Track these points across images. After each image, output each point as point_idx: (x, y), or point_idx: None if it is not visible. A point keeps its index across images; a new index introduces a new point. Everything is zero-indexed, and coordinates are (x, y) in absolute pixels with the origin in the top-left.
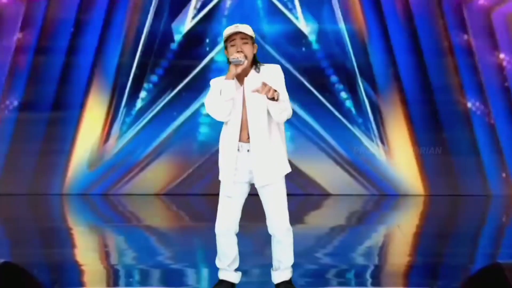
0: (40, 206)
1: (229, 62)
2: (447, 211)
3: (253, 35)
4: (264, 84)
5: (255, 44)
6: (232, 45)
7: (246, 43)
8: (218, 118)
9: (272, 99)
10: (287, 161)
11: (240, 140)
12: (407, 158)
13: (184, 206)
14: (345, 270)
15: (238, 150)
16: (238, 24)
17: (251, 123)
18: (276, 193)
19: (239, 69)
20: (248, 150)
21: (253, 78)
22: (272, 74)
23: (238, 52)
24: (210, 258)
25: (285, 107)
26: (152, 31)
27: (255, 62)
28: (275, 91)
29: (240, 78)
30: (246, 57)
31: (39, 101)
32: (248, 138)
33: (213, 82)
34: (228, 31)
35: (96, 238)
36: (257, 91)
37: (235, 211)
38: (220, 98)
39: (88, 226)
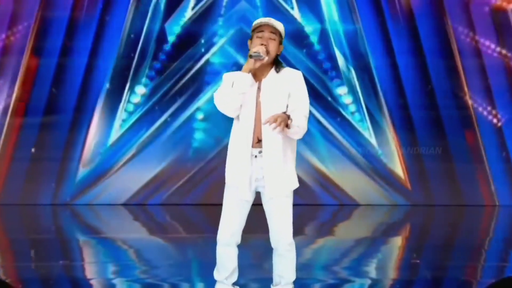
0: (30, 217)
1: (249, 55)
2: (451, 222)
3: (283, 34)
4: (275, 119)
5: (282, 45)
6: (259, 37)
7: (274, 39)
8: (225, 111)
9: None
10: (296, 176)
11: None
12: (408, 166)
13: (178, 217)
14: (341, 284)
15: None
16: (271, 18)
17: (264, 127)
18: (283, 206)
19: (257, 64)
20: (256, 156)
21: (272, 79)
22: (293, 80)
23: (261, 45)
24: (205, 272)
25: (296, 131)
26: (148, 32)
27: (277, 63)
28: (288, 118)
29: (257, 75)
30: (268, 53)
31: (30, 105)
32: (258, 142)
33: (227, 75)
34: (260, 20)
35: (88, 250)
36: (268, 122)
37: (240, 220)
38: (231, 90)
39: (79, 237)
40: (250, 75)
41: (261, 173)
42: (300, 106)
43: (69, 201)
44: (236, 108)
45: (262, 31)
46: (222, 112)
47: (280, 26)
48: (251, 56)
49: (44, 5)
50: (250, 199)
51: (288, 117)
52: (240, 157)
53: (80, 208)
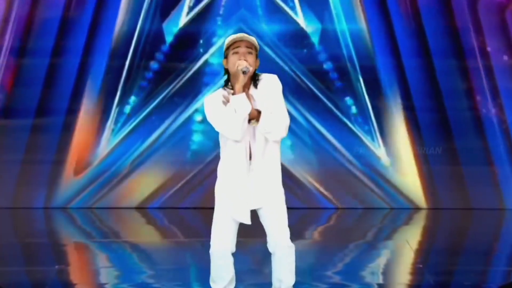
0: (22, 221)
1: (242, 72)
2: (458, 226)
3: (258, 48)
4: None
5: (258, 59)
6: (236, 53)
7: (251, 53)
8: (236, 137)
9: (249, 122)
10: (281, 181)
11: None
12: (414, 168)
13: (176, 221)
14: None
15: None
16: (244, 34)
17: (255, 140)
18: (275, 211)
19: (246, 79)
20: (251, 170)
21: (254, 93)
22: (269, 85)
23: (242, 60)
24: (203, 277)
25: (268, 133)
26: (143, 32)
27: (254, 77)
28: (259, 113)
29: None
30: (250, 65)
31: (21, 107)
32: (250, 156)
33: (211, 99)
34: (233, 37)
35: (82, 255)
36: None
37: (232, 231)
38: (238, 116)
39: (72, 242)
40: (245, 94)
41: (252, 185)
42: (276, 109)
43: (62, 205)
44: (245, 130)
45: (238, 46)
46: (230, 138)
47: (254, 41)
48: (244, 72)
49: (36, 4)
50: (249, 222)
51: (259, 112)
52: (239, 174)
53: (74, 212)
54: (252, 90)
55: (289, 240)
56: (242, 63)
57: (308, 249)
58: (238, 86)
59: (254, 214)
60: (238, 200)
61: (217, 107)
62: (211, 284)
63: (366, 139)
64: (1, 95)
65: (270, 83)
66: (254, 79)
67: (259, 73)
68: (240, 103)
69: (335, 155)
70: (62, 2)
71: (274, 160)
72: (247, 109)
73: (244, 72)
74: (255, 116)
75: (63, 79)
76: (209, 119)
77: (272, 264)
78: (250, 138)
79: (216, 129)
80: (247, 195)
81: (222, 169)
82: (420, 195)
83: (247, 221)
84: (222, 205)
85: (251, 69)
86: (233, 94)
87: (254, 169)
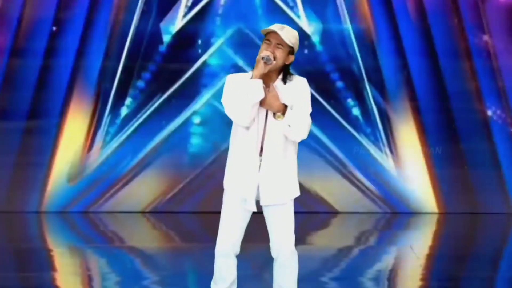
0: (15, 225)
1: (261, 58)
2: (465, 230)
3: (292, 45)
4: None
5: (293, 56)
6: (266, 43)
7: (280, 48)
8: (241, 122)
9: (273, 116)
10: (298, 184)
11: None
12: (420, 171)
13: (174, 225)
14: None
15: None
16: (285, 26)
17: (268, 132)
18: (282, 214)
19: (267, 69)
20: (261, 163)
21: (278, 88)
22: (297, 88)
23: (268, 50)
24: (202, 283)
25: (288, 131)
26: (139, 31)
27: (285, 73)
28: (285, 107)
29: (265, 82)
30: (275, 58)
31: (13, 109)
32: (261, 150)
33: (232, 77)
34: (271, 27)
35: (77, 260)
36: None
37: (239, 229)
38: (247, 100)
39: (68, 247)
40: (261, 81)
41: (261, 180)
42: (300, 111)
43: (56, 209)
44: (253, 117)
45: (271, 37)
46: (236, 122)
47: (288, 35)
48: (262, 58)
49: (28, 4)
50: (255, 209)
51: (286, 107)
52: (247, 165)
53: (70, 216)
54: (279, 84)
55: (293, 246)
56: (266, 52)
57: (310, 254)
58: (257, 72)
59: (256, 217)
60: (244, 188)
61: (232, 87)
62: (212, 285)
63: (369, 141)
64: None
65: (300, 85)
66: (284, 74)
67: (293, 73)
68: (254, 88)
69: (335, 157)
70: (55, 2)
71: (289, 161)
72: (259, 96)
73: (266, 61)
74: (281, 109)
75: (56, 81)
76: (222, 99)
77: (273, 269)
78: (265, 132)
79: (225, 110)
80: (254, 184)
81: (230, 160)
82: (426, 199)
83: (253, 207)
84: (229, 202)
85: (273, 61)
86: (251, 78)
87: (265, 165)
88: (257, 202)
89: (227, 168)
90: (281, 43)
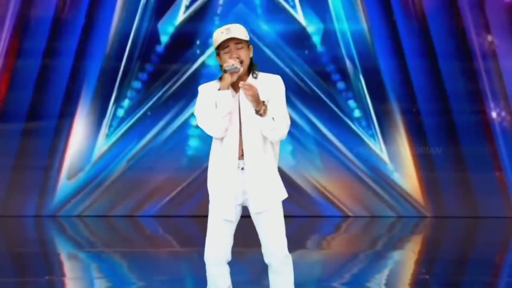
0: (13, 229)
1: (224, 71)
2: (465, 235)
3: (248, 38)
4: (251, 87)
5: (251, 46)
6: (226, 53)
7: (241, 48)
8: (214, 134)
9: (257, 112)
10: (283, 185)
11: None
12: (419, 175)
13: (172, 229)
14: None
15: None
16: (229, 26)
17: (245, 137)
18: (272, 218)
19: (235, 77)
20: (242, 168)
21: (254, 84)
22: (271, 85)
23: (232, 59)
24: None
25: (273, 126)
26: (136, 32)
27: (252, 67)
28: (263, 104)
29: (235, 85)
30: (242, 62)
31: (12, 110)
32: (242, 154)
33: (203, 88)
34: (219, 37)
35: (73, 264)
36: (244, 87)
37: (227, 238)
38: (216, 113)
39: (65, 251)
40: (230, 91)
41: (247, 186)
42: (277, 108)
43: (54, 213)
44: (224, 129)
45: (227, 46)
46: (209, 134)
47: (241, 32)
48: (225, 71)
49: (27, 4)
50: (235, 220)
51: (263, 103)
52: (225, 172)
53: (66, 220)
54: (251, 80)
55: (286, 250)
56: (229, 62)
57: (311, 259)
58: (224, 83)
59: (249, 222)
60: (222, 196)
61: (203, 98)
62: None
63: (369, 143)
64: None
65: (274, 83)
66: (251, 69)
67: (257, 66)
68: (223, 100)
69: (337, 158)
70: (55, 2)
71: (270, 162)
72: (227, 107)
73: (226, 71)
74: (262, 104)
75: (56, 82)
76: (195, 111)
77: (269, 276)
78: (242, 135)
79: (198, 123)
80: (231, 191)
81: (210, 166)
82: (425, 203)
83: (231, 217)
84: (213, 208)
85: (240, 67)
86: (218, 89)
87: (246, 169)
88: (245, 208)
89: (208, 176)
90: (238, 42)
